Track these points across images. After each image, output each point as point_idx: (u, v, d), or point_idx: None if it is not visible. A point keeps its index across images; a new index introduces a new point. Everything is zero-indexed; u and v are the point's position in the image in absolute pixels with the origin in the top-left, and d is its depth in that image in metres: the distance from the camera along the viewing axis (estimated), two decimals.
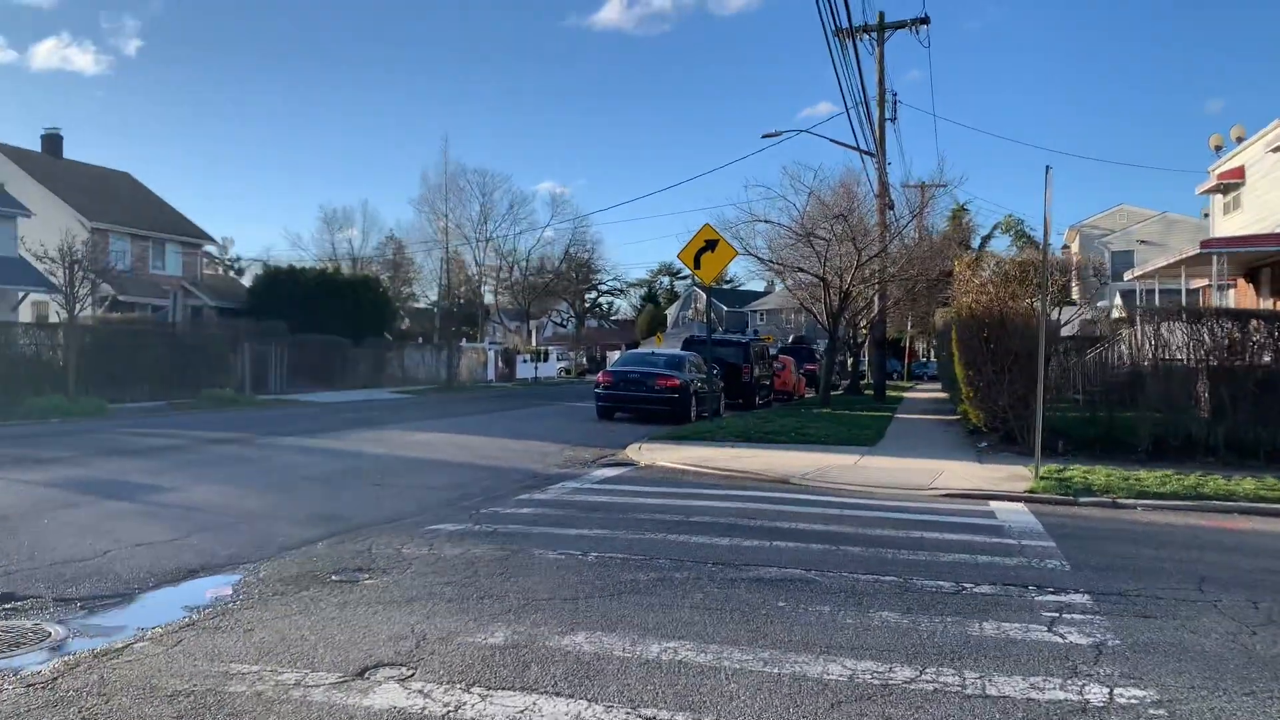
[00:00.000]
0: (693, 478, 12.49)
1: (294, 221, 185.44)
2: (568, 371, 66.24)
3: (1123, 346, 15.49)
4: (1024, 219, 66.05)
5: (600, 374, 23.30)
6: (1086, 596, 6.23)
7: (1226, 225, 30.87)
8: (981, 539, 8.33)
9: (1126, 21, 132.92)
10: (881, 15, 30.29)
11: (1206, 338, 14.51)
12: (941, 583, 6.56)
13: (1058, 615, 5.74)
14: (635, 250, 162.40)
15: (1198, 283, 29.67)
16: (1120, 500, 10.97)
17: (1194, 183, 36.45)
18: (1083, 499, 11.04)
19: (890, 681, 4.47)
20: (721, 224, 25.80)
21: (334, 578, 6.51)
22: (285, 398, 29.56)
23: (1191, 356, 14.63)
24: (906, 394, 39.42)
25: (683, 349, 27.72)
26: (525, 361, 55.33)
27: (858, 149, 31.41)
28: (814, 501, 10.40)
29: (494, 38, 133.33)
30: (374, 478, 11.63)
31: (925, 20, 30.24)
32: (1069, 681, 4.53)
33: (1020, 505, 10.70)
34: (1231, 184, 30.72)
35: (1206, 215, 50.95)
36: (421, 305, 77.68)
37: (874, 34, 30.26)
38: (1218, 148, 33.48)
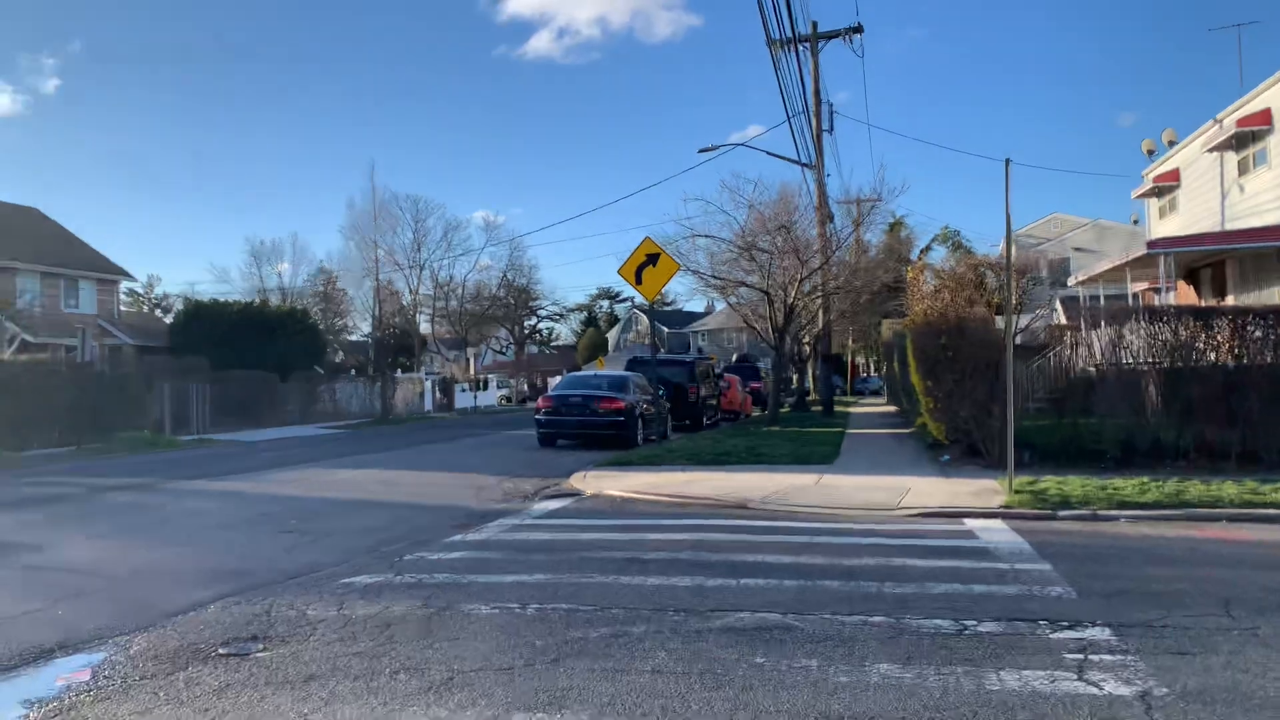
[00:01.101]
0: (643, 507, 11.50)
1: (222, 257, 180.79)
2: (508, 399, 64.82)
3: (1083, 350, 14.93)
4: (959, 230, 66.62)
5: (540, 399, 22.21)
6: (1107, 631, 5.37)
7: (1163, 228, 30.95)
8: (970, 564, 7.47)
9: (1045, 32, 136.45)
10: (815, 25, 29.92)
11: (1170, 338, 13.99)
12: (939, 621, 5.66)
13: (1083, 657, 4.86)
14: (574, 274, 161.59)
15: (1138, 286, 29.65)
16: (1101, 512, 10.26)
17: (1128, 188, 36.76)
18: (1062, 513, 10.30)
19: None
20: (661, 241, 24.89)
21: (220, 651, 5.38)
22: (208, 438, 27.88)
23: (1155, 358, 14.10)
24: (852, 409, 38.94)
25: (626, 370, 26.76)
26: (464, 391, 53.84)
27: (797, 162, 30.96)
28: (779, 528, 9.48)
29: (424, 69, 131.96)
30: (287, 523, 10.41)
31: (858, 29, 29.93)
32: None
33: (998, 522, 9.90)
34: (1166, 187, 30.85)
35: (1136, 221, 51.74)
36: (355, 338, 75.73)
37: (808, 44, 29.85)
38: (1150, 152, 33.69)
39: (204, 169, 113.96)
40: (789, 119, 27.00)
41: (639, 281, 18.14)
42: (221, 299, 45.20)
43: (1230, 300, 23.88)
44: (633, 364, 27.38)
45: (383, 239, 59.37)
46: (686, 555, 8.02)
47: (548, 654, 5.10)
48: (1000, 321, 15.26)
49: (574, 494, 12.96)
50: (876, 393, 67.86)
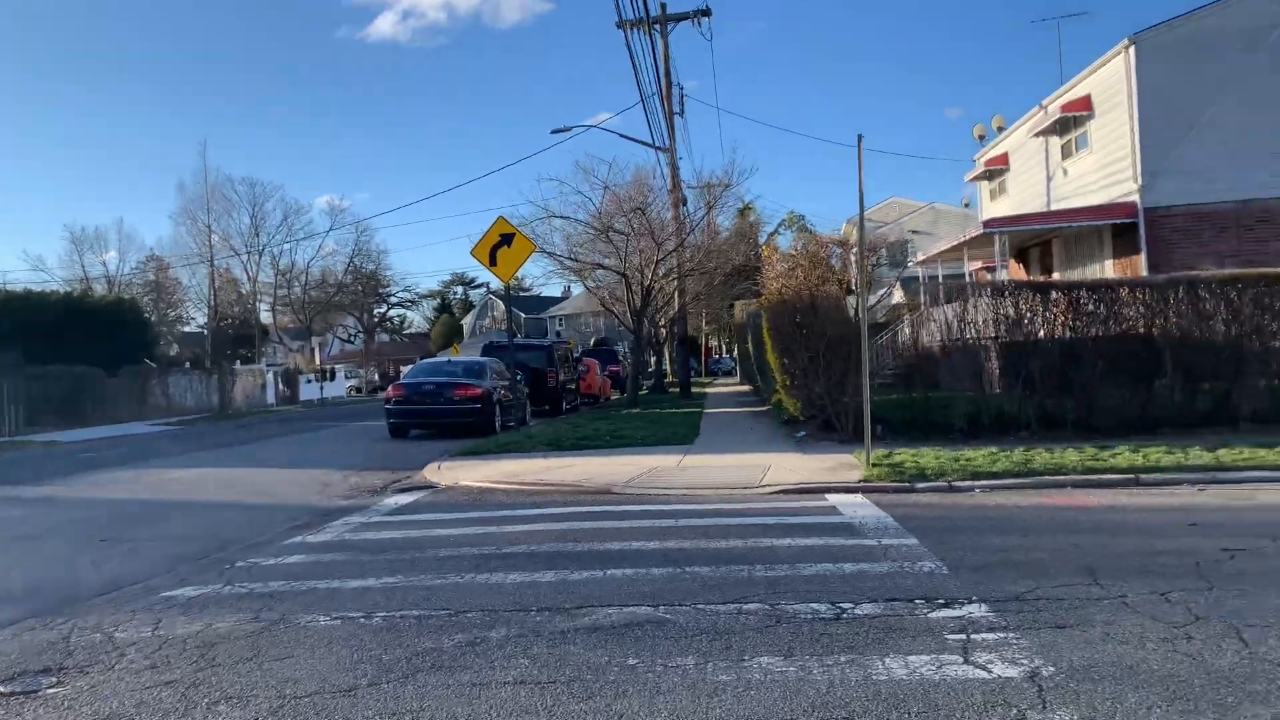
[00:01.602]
0: (503, 497, 10.96)
1: (37, 244, 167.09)
2: (358, 390, 62.50)
3: (933, 326, 15.29)
4: (804, 215, 68.38)
5: (390, 387, 21.21)
6: (984, 607, 5.25)
7: (994, 209, 32.42)
8: (838, 542, 7.32)
9: (882, 25, 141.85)
10: (664, 7, 29.77)
11: (1011, 312, 14.46)
12: (816, 605, 5.41)
13: (966, 638, 4.70)
14: (426, 260, 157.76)
15: (973, 265, 30.99)
16: (956, 483, 10.41)
17: (961, 173, 38.38)
18: (919, 485, 10.40)
19: None
20: (517, 223, 24.22)
21: (2, 690, 4.57)
22: (20, 439, 25.40)
23: (998, 333, 14.55)
24: (708, 389, 39.31)
25: (482, 355, 25.99)
26: (309, 382, 51.46)
27: (650, 144, 30.80)
28: (644, 513, 9.14)
29: (262, 49, 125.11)
30: (104, 531, 9.35)
31: (706, 12, 29.95)
32: None
33: (859, 496, 9.89)
34: (997, 170, 32.31)
35: (967, 205, 54.27)
36: (191, 329, 71.39)
37: (659, 25, 29.66)
38: (981, 137, 35.27)
39: (12, 146, 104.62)
40: (643, 100, 26.77)
41: (493, 263, 17.47)
42: (38, 289, 41.57)
43: (1057, 277, 25.18)
44: (489, 349, 26.63)
45: (217, 223, 56.08)
46: (549, 547, 7.57)
47: (396, 669, 4.55)
48: (852, 301, 15.45)
49: (428, 486, 12.28)
50: (729, 373, 69.13)
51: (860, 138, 11.14)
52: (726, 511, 9.06)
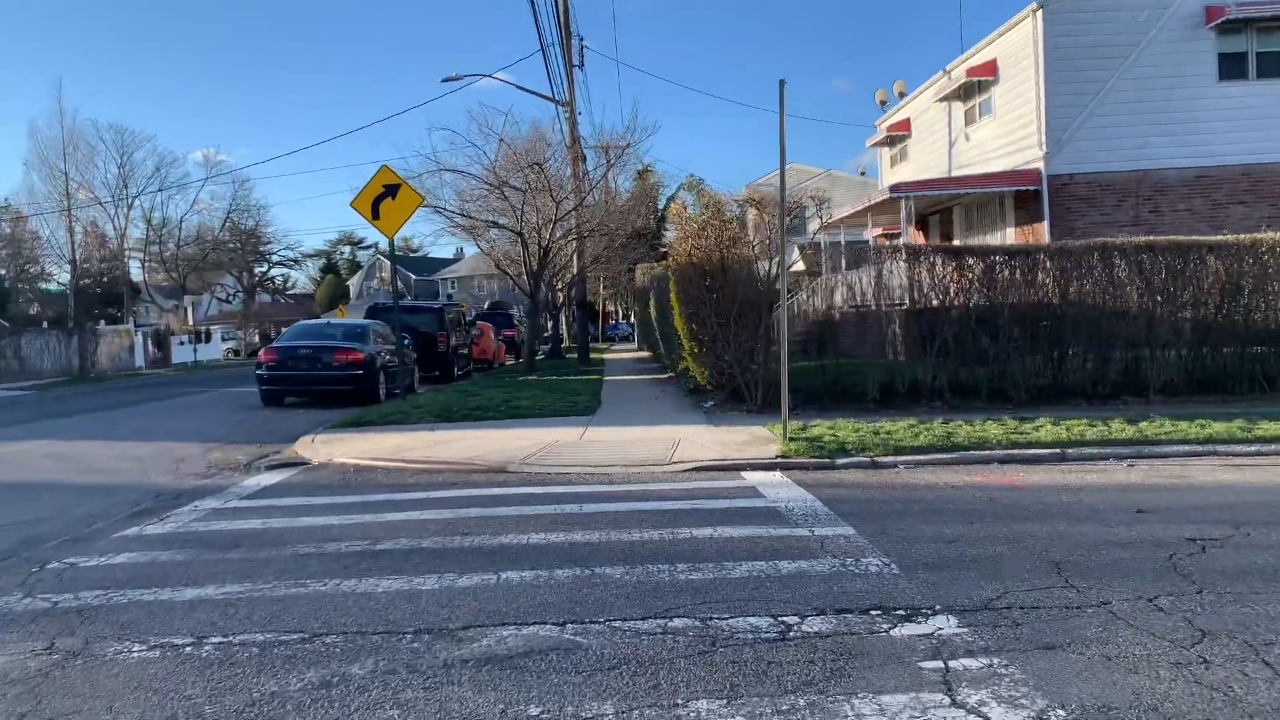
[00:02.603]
0: (383, 477, 9.75)
1: None
2: (235, 353, 59.33)
3: (845, 291, 14.62)
4: (703, 179, 67.75)
5: (262, 351, 19.49)
6: (954, 621, 4.43)
7: (894, 176, 32.26)
8: (766, 532, 6.46)
9: None
10: None
11: (927, 278, 13.89)
12: (755, 620, 4.51)
13: (943, 666, 3.85)
14: (312, 217, 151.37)
15: (873, 231, 30.77)
16: (879, 459, 9.72)
17: (860, 139, 38.26)
18: (840, 460, 9.67)
19: None
20: (404, 176, 22.59)
21: None
22: None
23: (914, 299, 13.98)
24: (606, 355, 38.38)
25: (366, 318, 24.38)
26: (183, 344, 48.39)
27: (549, 98, 29.38)
28: (545, 496, 8.11)
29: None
30: None
31: None
32: None
33: (778, 475, 9.09)
34: (898, 136, 32.10)
35: (863, 173, 54.46)
36: (54, 286, 66.35)
37: None
38: (883, 102, 35.01)
39: None
40: (543, 49, 25.37)
41: (376, 216, 16.00)
42: None
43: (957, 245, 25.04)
44: (374, 311, 24.98)
45: (78, 172, 51.75)
46: (433, 542, 6.48)
47: None
48: (763, 266, 14.66)
49: (299, 463, 10.97)
50: (626, 338, 68.39)
51: (782, 83, 10.25)
52: (637, 494, 8.11)
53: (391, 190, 16.05)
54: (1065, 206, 21.18)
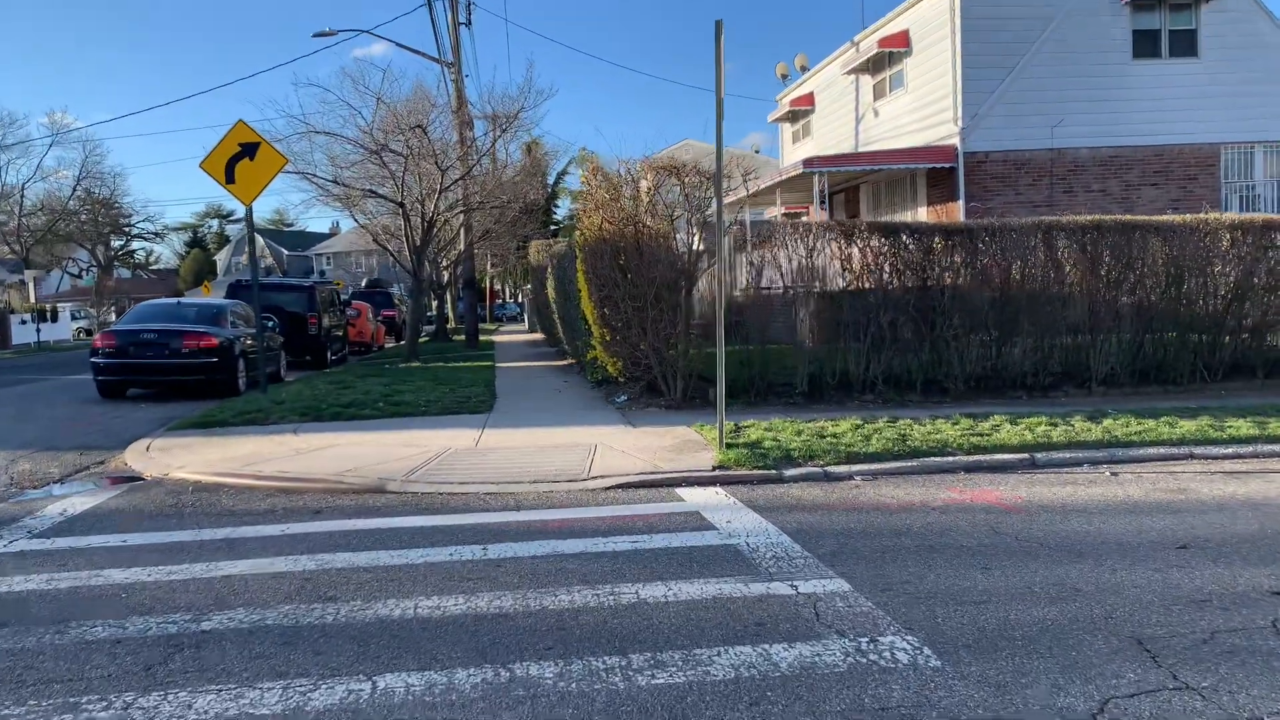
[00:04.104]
0: (230, 499, 7.79)
1: None
2: (87, 332, 54.42)
3: (770, 272, 13.17)
4: (596, 152, 65.80)
5: (98, 335, 16.84)
6: None
7: (795, 154, 31.20)
8: (734, 588, 4.90)
9: None
10: None
11: (859, 258, 12.60)
12: None
13: None
14: (177, 188, 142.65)
15: (773, 211, 29.66)
16: (831, 469, 8.33)
17: (759, 114, 37.22)
18: (788, 472, 8.23)
19: None
20: (272, 138, 20.06)
21: None
22: None
23: (846, 281, 12.67)
24: (496, 338, 36.34)
25: (227, 297, 21.85)
26: (25, 323, 43.86)
27: (434, 58, 27.09)
28: (436, 533, 6.35)
29: None
30: None
31: None
32: None
33: (720, 492, 7.58)
34: (801, 111, 31.07)
35: (758, 150, 53.66)
36: None
37: None
38: (784, 76, 33.91)
39: None
40: (428, 2, 23.07)
41: (231, 180, 13.73)
42: None
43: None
44: (235, 289, 22.43)
45: None
46: (282, 614, 4.68)
47: None
48: (682, 241, 13.12)
49: (127, 478, 8.88)
50: (514, 319, 66.14)
51: (719, 24, 8.65)
52: (555, 528, 6.44)
53: (249, 150, 13.78)
54: (980, 185, 20.39)
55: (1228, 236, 12.74)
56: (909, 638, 4.13)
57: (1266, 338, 13.18)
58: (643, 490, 7.70)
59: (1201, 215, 12.94)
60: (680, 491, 7.60)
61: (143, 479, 8.83)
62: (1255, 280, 12.80)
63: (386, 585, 5.15)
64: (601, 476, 8.09)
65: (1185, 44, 20.60)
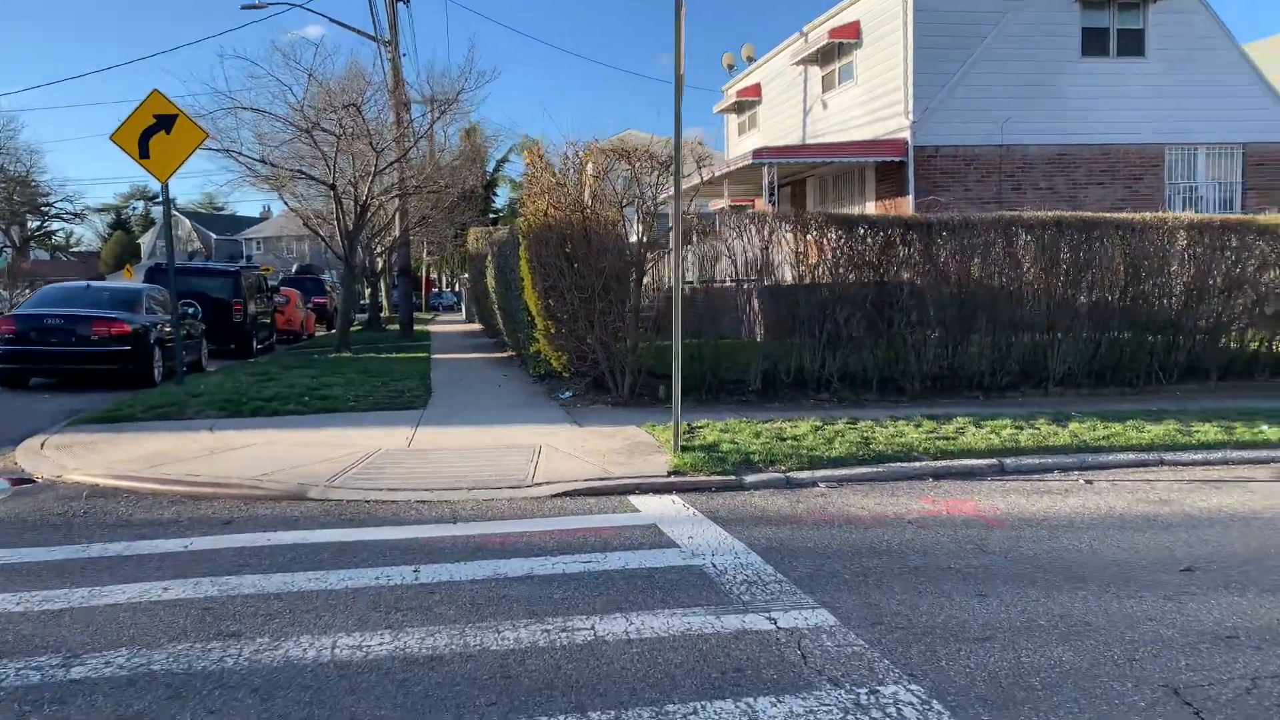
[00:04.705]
0: (127, 507, 6.93)
1: None
2: None
3: (725, 264, 12.61)
4: (538, 139, 64.62)
5: None
6: None
7: (742, 146, 30.74)
8: (705, 622, 4.28)
9: None
10: None
11: (815, 252, 12.09)
12: None
13: None
14: (101, 168, 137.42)
15: (718, 203, 29.18)
16: (793, 475, 7.79)
17: (706, 104, 36.67)
18: (749, 478, 7.67)
19: None
20: (195, 114, 18.81)
21: None
22: None
23: (800, 275, 12.16)
24: (432, 327, 35.28)
25: (146, 281, 20.63)
26: None
27: (370, 36, 26.03)
28: (361, 549, 5.62)
29: None
30: None
31: None
32: None
33: (677, 500, 6.97)
34: (748, 102, 30.60)
35: (701, 142, 52.99)
36: None
37: None
38: (730, 66, 33.37)
39: None
40: None
41: (145, 155, 12.70)
42: None
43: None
44: (153, 274, 21.15)
45: None
46: (171, 656, 3.93)
47: None
48: (631, 232, 12.49)
49: (17, 480, 7.95)
50: (451, 309, 64.72)
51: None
52: (496, 544, 5.76)
53: (165, 122, 12.76)
54: (930, 180, 20.10)
55: (1184, 236, 12.54)
56: (914, 687, 3.56)
57: (1220, 339, 13.03)
58: (593, 499, 7.05)
59: (1160, 214, 12.74)
60: (634, 500, 6.97)
61: (33, 481, 7.92)
62: (1211, 281, 12.63)
63: (301, 617, 4.42)
64: (547, 482, 7.42)
65: (1133, 43, 20.56)
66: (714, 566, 5.18)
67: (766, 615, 4.37)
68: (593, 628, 4.22)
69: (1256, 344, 13.14)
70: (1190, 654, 3.87)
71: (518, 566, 5.20)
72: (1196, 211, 20.49)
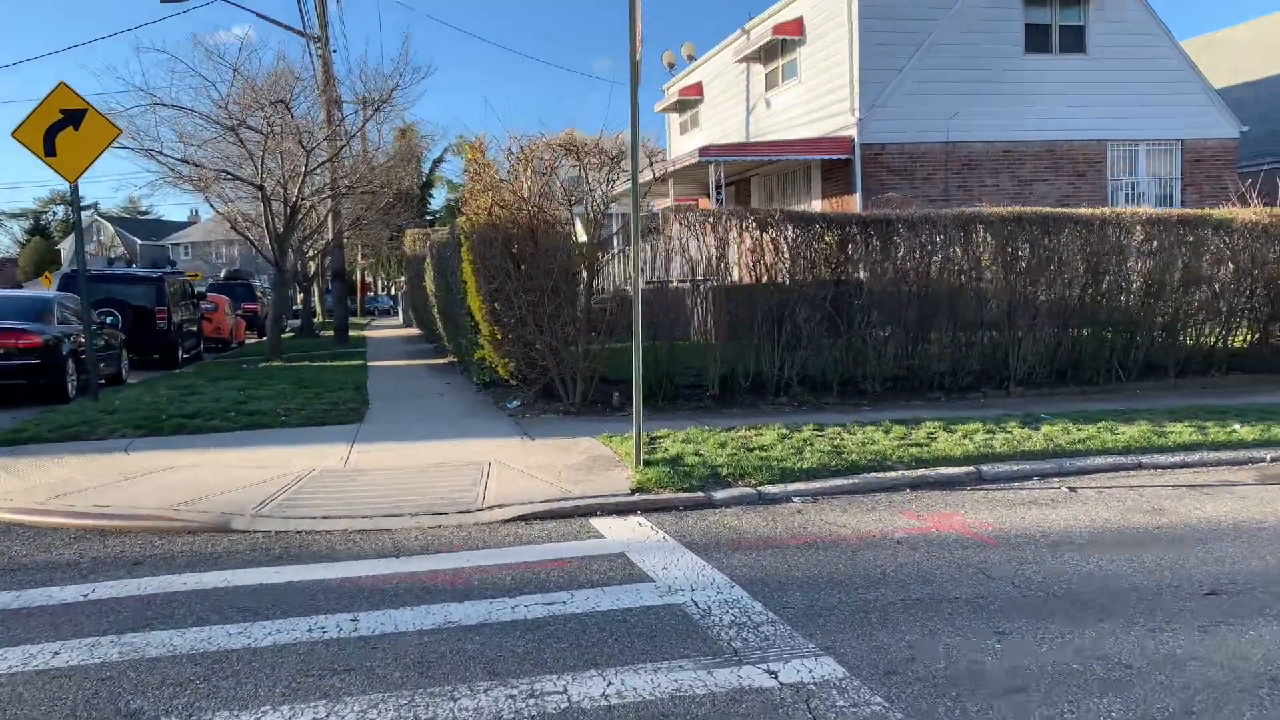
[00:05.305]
0: (19, 547, 6.11)
1: None
2: None
3: (679, 261, 12.06)
4: (480, 135, 63.29)
5: None
6: None
7: (683, 145, 30.28)
8: (695, 679, 3.70)
9: None
10: None
11: (772, 250, 11.60)
12: None
13: None
14: (16, 171, 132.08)
15: (661, 203, 28.68)
16: (765, 490, 7.27)
17: (651, 102, 36.14)
18: (718, 494, 7.14)
19: None
20: (111, 111, 17.64)
21: None
22: None
23: (759, 275, 11.67)
24: (368, 333, 34.18)
25: (60, 289, 19.42)
26: None
27: (299, 31, 24.99)
28: (291, 593, 4.92)
29: None
30: None
31: None
32: None
33: (644, 523, 6.39)
34: (690, 101, 30.16)
35: (648, 140, 52.38)
36: None
37: None
38: (671, 65, 32.91)
39: None
40: None
41: (51, 152, 11.73)
42: None
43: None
44: (67, 281, 19.91)
45: None
46: None
47: None
48: (580, 230, 11.92)
49: None
50: (388, 313, 63.23)
51: None
52: (445, 582, 5.11)
53: (73, 118, 11.82)
54: (877, 178, 19.83)
55: (1142, 231, 12.35)
56: None
57: (1179, 336, 12.87)
58: (551, 523, 6.43)
59: (1118, 209, 12.53)
60: (596, 523, 6.37)
61: None
62: (1169, 277, 12.45)
63: (219, 686, 3.74)
64: (499, 505, 6.78)
65: (1074, 40, 20.55)
66: (695, 605, 4.61)
67: (765, 667, 3.80)
68: (565, 690, 3.62)
69: (1213, 340, 13.01)
70: (1254, 708, 3.41)
71: (472, 612, 4.56)
72: (1137, 206, 20.63)
